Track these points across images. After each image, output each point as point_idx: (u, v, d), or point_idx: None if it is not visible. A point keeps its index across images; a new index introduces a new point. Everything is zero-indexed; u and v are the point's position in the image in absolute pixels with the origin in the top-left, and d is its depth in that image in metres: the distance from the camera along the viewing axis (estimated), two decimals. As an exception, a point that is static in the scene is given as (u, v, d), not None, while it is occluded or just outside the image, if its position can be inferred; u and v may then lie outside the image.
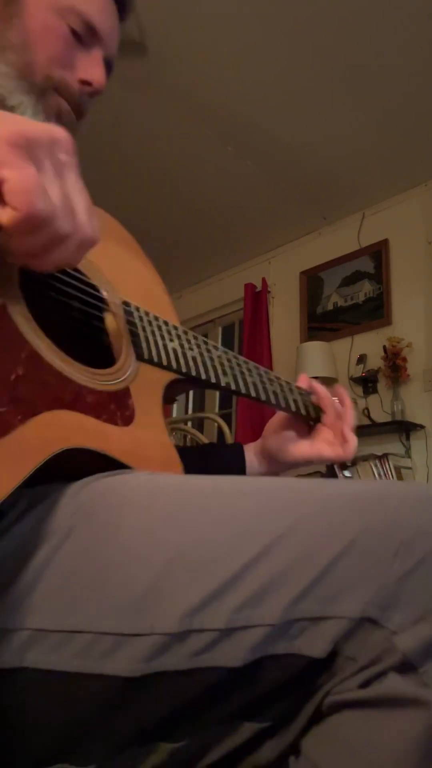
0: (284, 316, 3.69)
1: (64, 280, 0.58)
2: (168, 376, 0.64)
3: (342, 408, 0.80)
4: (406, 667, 0.34)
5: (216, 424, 2.15)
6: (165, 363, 0.63)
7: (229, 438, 2.12)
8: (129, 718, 0.39)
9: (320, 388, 0.81)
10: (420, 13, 2.18)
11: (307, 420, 0.81)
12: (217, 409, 4.03)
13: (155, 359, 0.62)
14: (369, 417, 3.06)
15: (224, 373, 0.70)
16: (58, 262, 0.46)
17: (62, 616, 0.39)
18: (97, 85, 0.69)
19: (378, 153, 2.96)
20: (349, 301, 3.39)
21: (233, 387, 0.70)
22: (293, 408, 0.77)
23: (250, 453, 0.82)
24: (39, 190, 0.41)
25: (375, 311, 3.24)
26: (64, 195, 0.44)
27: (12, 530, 0.43)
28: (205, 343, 0.71)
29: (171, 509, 0.43)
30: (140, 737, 0.39)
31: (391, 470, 2.73)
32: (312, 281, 3.60)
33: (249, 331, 3.70)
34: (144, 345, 0.62)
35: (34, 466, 0.42)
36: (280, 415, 0.81)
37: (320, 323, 3.50)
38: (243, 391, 0.72)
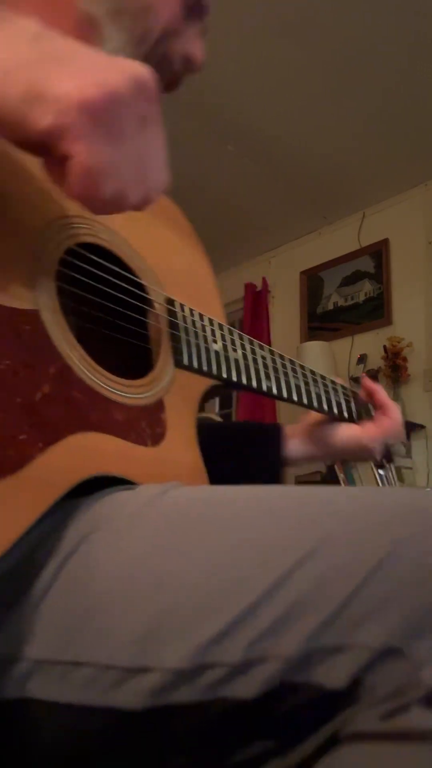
0: (284, 315, 3.69)
1: (106, 280, 0.54)
2: (207, 383, 0.60)
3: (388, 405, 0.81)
4: (430, 700, 0.32)
5: (216, 424, 2.14)
6: (205, 368, 0.59)
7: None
8: (131, 746, 0.38)
9: (381, 390, 0.82)
10: (423, 13, 2.18)
11: (350, 421, 0.80)
12: (217, 409, 4.02)
13: (195, 365, 0.58)
14: (369, 417, 3.05)
15: (267, 377, 0.66)
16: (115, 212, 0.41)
17: (65, 646, 0.38)
18: (199, 63, 0.64)
19: (378, 153, 2.95)
20: (349, 301, 3.39)
21: (275, 391, 0.67)
22: (335, 411, 0.76)
23: (297, 438, 0.80)
24: (106, 175, 0.36)
25: (375, 311, 3.24)
26: (138, 160, 0.38)
27: (15, 547, 0.41)
28: (251, 343, 0.67)
29: (181, 532, 0.40)
30: (142, 759, 0.38)
31: (391, 470, 2.72)
32: (312, 281, 3.59)
33: (249, 330, 3.69)
34: (184, 350, 0.58)
35: (51, 502, 0.39)
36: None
37: (320, 323, 3.49)
38: (285, 395, 0.68)
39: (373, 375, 3.10)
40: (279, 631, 0.34)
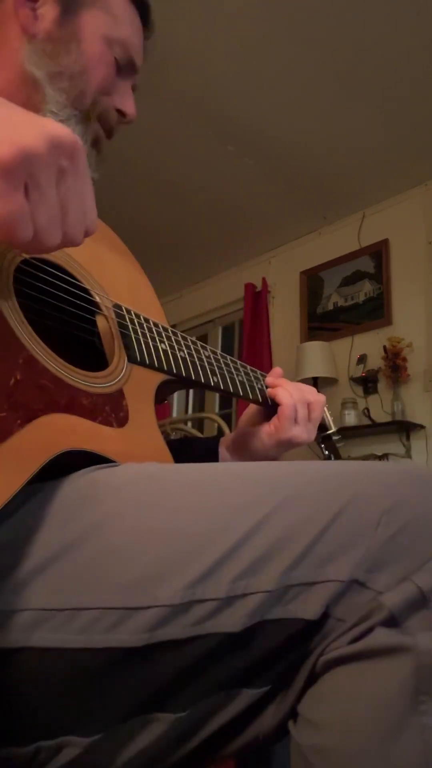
0: (284, 316, 3.69)
1: (57, 286, 0.59)
2: (159, 377, 0.65)
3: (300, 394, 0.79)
4: (391, 622, 0.37)
5: (216, 424, 2.14)
6: (156, 364, 0.64)
7: (229, 438, 2.12)
8: (131, 689, 0.40)
9: (276, 381, 0.80)
10: (420, 13, 2.18)
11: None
12: (217, 409, 4.03)
13: (146, 361, 0.63)
14: (369, 417, 3.06)
15: (213, 373, 0.72)
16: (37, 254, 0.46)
17: (66, 595, 0.41)
18: (131, 117, 0.71)
19: (378, 153, 2.96)
20: (349, 301, 3.39)
21: (222, 386, 0.72)
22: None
23: (223, 446, 0.83)
24: (20, 221, 0.40)
25: (375, 311, 3.24)
26: (56, 210, 0.42)
27: (11, 518, 0.44)
28: (194, 343, 0.73)
29: (167, 492, 0.45)
30: (142, 708, 0.40)
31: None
32: (312, 281, 3.59)
33: (249, 331, 3.70)
34: (135, 347, 0.63)
35: (33, 470, 0.43)
36: (253, 407, 0.83)
37: (320, 323, 3.49)
38: (231, 389, 0.74)
39: (373, 375, 3.11)
40: (257, 569, 0.39)
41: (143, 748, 0.40)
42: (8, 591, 0.41)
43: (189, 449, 0.85)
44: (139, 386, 0.61)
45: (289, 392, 0.78)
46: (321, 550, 0.39)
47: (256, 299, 3.77)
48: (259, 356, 3.56)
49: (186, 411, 4.35)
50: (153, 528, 0.42)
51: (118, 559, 0.41)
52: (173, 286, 4.28)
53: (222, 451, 0.83)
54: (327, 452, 0.88)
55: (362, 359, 3.20)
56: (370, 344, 3.20)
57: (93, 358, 0.61)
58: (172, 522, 0.42)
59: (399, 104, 2.64)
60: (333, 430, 0.88)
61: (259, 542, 0.40)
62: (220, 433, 2.11)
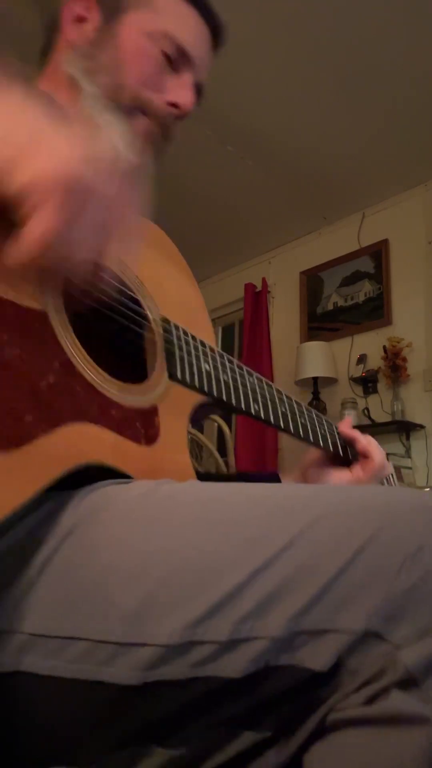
0: (284, 316, 3.69)
1: (108, 293, 0.57)
2: (197, 398, 0.63)
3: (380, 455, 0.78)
4: (408, 682, 0.34)
5: (216, 425, 2.15)
6: (197, 385, 0.62)
7: (229, 438, 2.12)
8: (125, 723, 0.39)
9: (360, 437, 0.79)
10: (419, 14, 2.18)
11: (336, 456, 0.79)
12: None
13: (187, 380, 0.61)
14: (369, 417, 3.06)
15: (255, 401, 0.69)
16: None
17: (60, 621, 0.39)
18: (184, 107, 0.71)
19: (378, 153, 2.95)
20: (349, 301, 3.39)
21: (263, 416, 0.70)
22: (321, 444, 0.77)
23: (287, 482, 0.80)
24: (52, 242, 0.40)
25: (375, 311, 3.24)
26: (94, 234, 0.43)
27: (13, 529, 0.43)
28: (240, 368, 0.70)
29: (175, 517, 0.42)
30: (136, 741, 0.39)
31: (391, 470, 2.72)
32: (312, 281, 3.59)
33: (249, 331, 3.70)
34: (178, 364, 0.61)
35: (50, 480, 0.42)
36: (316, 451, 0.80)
37: (320, 323, 3.49)
38: (272, 421, 0.71)
39: (373, 375, 3.11)
40: (264, 612, 0.36)
41: None
42: (4, 608, 0.40)
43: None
44: (176, 405, 0.59)
45: (380, 450, 0.77)
46: (335, 594, 0.36)
47: (256, 299, 3.77)
48: (259, 356, 3.56)
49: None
50: (154, 555, 0.40)
51: (117, 585, 0.39)
52: (173, 286, 4.27)
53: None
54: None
55: (362, 359, 3.20)
56: (369, 344, 3.20)
57: (137, 370, 0.60)
58: (178, 551, 0.40)
59: (399, 105, 2.64)
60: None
61: (267, 581, 0.37)
62: (220, 433, 2.11)
